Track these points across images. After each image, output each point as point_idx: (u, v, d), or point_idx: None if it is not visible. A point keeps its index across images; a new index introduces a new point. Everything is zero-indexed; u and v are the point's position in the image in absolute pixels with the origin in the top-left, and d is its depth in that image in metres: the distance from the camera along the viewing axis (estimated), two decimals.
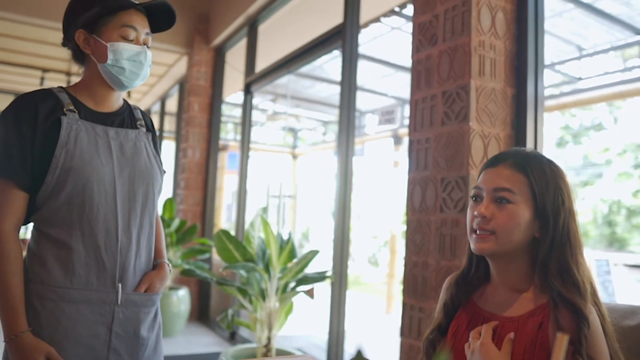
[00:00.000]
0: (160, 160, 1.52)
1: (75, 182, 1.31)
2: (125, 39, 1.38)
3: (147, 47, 1.44)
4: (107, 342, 1.35)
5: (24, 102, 1.34)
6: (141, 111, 1.56)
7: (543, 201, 1.09)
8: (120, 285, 1.36)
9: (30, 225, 1.40)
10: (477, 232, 1.12)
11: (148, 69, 1.44)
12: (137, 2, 1.41)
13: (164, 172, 1.55)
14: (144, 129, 1.49)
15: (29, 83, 7.99)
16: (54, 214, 1.32)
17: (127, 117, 1.48)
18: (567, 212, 1.10)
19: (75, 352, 1.31)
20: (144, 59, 1.41)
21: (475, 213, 1.13)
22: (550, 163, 1.15)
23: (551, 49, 5.36)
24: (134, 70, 1.40)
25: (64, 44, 1.46)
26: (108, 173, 1.35)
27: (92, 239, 1.33)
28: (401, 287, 2.38)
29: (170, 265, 1.56)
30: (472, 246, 1.15)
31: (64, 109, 1.35)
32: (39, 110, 1.32)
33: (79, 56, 1.43)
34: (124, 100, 1.53)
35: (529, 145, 2.15)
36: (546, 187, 1.10)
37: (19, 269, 1.30)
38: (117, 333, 1.36)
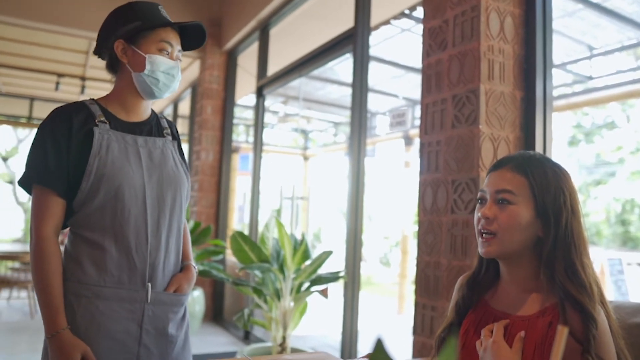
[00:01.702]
0: (186, 167, 1.60)
1: (107, 188, 1.39)
2: (162, 52, 1.48)
3: (179, 61, 1.54)
4: (137, 339, 1.43)
5: (60, 115, 1.43)
6: (167, 120, 1.64)
7: (543, 201, 1.13)
8: (150, 284, 1.44)
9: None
10: (483, 235, 1.17)
11: (177, 83, 1.54)
12: (173, 22, 1.51)
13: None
14: (170, 137, 1.58)
15: (44, 88, 8.12)
16: (88, 218, 1.41)
17: (154, 126, 1.57)
18: (570, 212, 1.13)
19: (108, 347, 1.39)
20: (176, 73, 1.51)
21: (479, 215, 1.18)
22: (553, 165, 1.18)
23: (562, 49, 5.37)
24: (167, 82, 1.50)
25: (96, 53, 1.55)
26: (138, 179, 1.43)
27: (124, 240, 1.41)
28: (413, 287, 2.42)
29: (196, 268, 1.63)
30: (479, 250, 1.19)
31: (96, 120, 1.44)
32: (73, 123, 1.41)
33: (113, 65, 1.52)
34: (152, 110, 1.61)
35: (538, 146, 2.18)
36: (546, 188, 1.13)
37: (59, 270, 1.38)
38: (147, 330, 1.44)
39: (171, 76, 1.50)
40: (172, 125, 1.64)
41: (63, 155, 1.39)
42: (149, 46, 1.46)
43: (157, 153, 1.51)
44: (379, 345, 0.44)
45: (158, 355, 1.46)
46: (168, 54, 1.48)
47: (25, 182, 1.42)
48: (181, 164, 1.57)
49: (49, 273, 1.36)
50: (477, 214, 1.20)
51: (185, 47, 1.57)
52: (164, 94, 1.52)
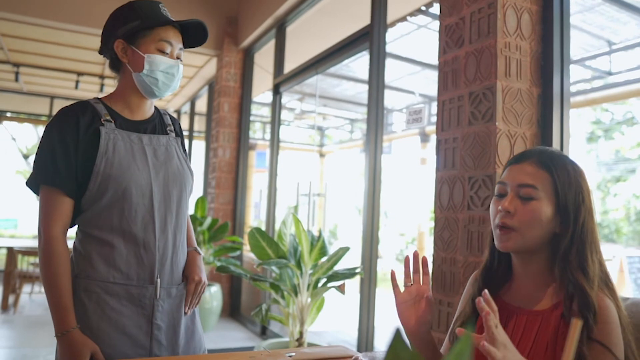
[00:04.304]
0: (189, 163, 1.62)
1: (115, 188, 1.41)
2: (161, 52, 1.48)
3: (181, 60, 1.54)
4: (149, 333, 1.44)
5: (67, 115, 1.45)
6: (170, 117, 1.66)
7: (565, 198, 1.12)
8: (159, 280, 1.46)
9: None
10: (501, 228, 1.15)
11: (178, 82, 1.55)
12: (174, 20, 1.51)
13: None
14: (173, 134, 1.60)
15: (64, 86, 8.25)
16: (97, 217, 1.43)
17: (157, 123, 1.58)
18: (587, 210, 1.13)
19: (121, 341, 1.41)
20: (176, 72, 1.52)
21: (500, 208, 1.15)
22: (572, 163, 1.18)
23: (581, 44, 5.32)
24: (166, 81, 1.50)
25: (101, 52, 1.56)
26: (145, 177, 1.45)
27: (132, 238, 1.43)
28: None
29: (201, 253, 1.65)
30: (496, 244, 1.18)
31: (102, 120, 1.45)
32: (80, 122, 1.43)
33: (115, 64, 1.54)
34: (155, 107, 1.63)
35: (556, 142, 2.18)
36: (569, 185, 1.13)
37: (67, 270, 1.40)
38: (158, 325, 1.46)
39: (171, 75, 1.50)
40: (175, 121, 1.65)
41: (71, 156, 1.40)
42: (148, 46, 1.46)
43: (161, 151, 1.52)
44: (397, 335, 0.46)
45: (169, 347, 1.48)
46: (168, 54, 1.49)
47: (34, 183, 1.44)
48: (185, 161, 1.59)
49: (58, 272, 1.38)
50: (495, 207, 1.18)
51: (187, 45, 1.57)
52: (165, 93, 1.53)
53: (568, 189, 1.13)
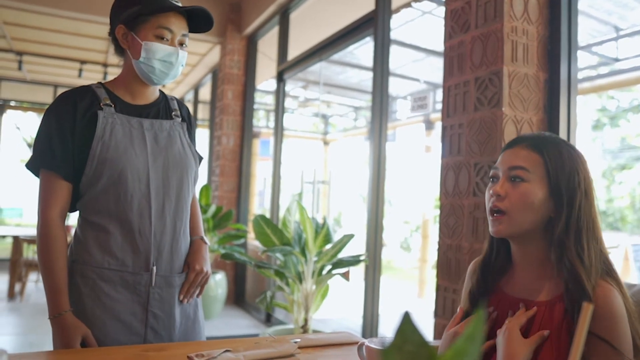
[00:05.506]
0: (195, 149, 1.59)
1: (111, 172, 1.40)
2: (161, 39, 1.44)
3: (184, 46, 1.49)
4: (144, 321, 1.44)
5: (65, 100, 1.43)
6: (178, 101, 1.62)
7: (557, 180, 1.09)
8: (155, 268, 1.45)
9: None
10: (494, 214, 1.13)
11: (179, 69, 1.50)
12: (178, 4, 1.46)
13: (201, 158, 1.62)
14: (179, 119, 1.56)
15: (68, 75, 8.23)
16: (93, 201, 1.42)
17: (162, 108, 1.56)
18: (583, 194, 1.09)
19: (115, 328, 1.41)
20: (175, 60, 1.47)
21: (491, 192, 1.14)
22: (568, 146, 1.14)
23: (587, 30, 5.26)
24: (164, 70, 1.47)
25: (110, 34, 1.53)
26: (141, 163, 1.43)
27: (127, 224, 1.42)
28: (434, 271, 2.43)
29: (208, 242, 1.63)
30: (490, 230, 1.15)
31: (101, 104, 1.44)
32: (77, 106, 1.42)
33: (119, 49, 1.52)
34: (161, 91, 1.60)
35: (562, 129, 2.16)
36: (561, 167, 1.10)
37: (63, 253, 1.40)
38: (153, 312, 1.45)
39: (168, 63, 1.46)
40: (182, 106, 1.62)
41: (68, 139, 1.40)
42: (147, 32, 1.43)
43: (163, 136, 1.50)
44: (406, 319, 0.44)
45: (166, 336, 1.47)
46: (167, 40, 1.45)
47: (33, 166, 1.44)
48: (189, 146, 1.56)
49: (53, 256, 1.38)
50: (488, 192, 1.16)
51: (195, 30, 1.53)
52: (164, 81, 1.50)
53: (560, 171, 1.09)
